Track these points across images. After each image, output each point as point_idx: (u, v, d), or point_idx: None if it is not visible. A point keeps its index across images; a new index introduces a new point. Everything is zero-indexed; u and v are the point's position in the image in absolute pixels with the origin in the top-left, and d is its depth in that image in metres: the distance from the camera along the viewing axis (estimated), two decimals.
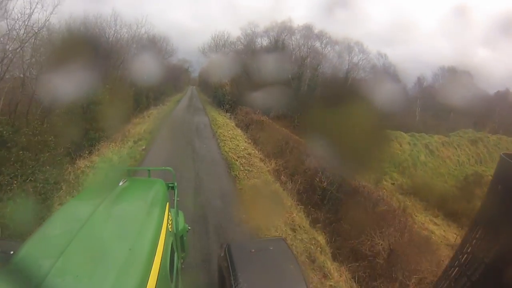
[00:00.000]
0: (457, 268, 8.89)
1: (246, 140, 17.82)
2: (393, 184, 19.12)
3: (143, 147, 14.46)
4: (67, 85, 11.00)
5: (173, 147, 14.83)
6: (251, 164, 13.65)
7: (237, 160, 13.80)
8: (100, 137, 13.84)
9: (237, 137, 17.85)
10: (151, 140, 15.52)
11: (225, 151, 14.88)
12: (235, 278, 3.87)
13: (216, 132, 18.45)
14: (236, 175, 12.27)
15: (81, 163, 11.72)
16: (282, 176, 12.81)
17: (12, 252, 2.81)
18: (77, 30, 14.91)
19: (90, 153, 12.76)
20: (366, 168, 13.08)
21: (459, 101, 21.11)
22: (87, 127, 13.14)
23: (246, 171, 12.74)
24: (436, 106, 23.93)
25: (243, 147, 16.01)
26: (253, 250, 4.46)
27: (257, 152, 15.62)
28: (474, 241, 8.79)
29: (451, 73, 23.03)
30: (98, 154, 12.84)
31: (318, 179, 11.56)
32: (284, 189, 11.67)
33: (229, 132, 18.50)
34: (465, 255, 8.91)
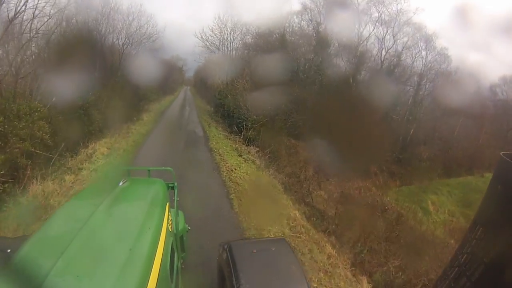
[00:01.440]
0: (457, 268, 8.91)
1: None
2: None
3: None
4: None
5: None
6: None
7: None
8: None
9: None
10: None
11: None
12: (236, 278, 3.87)
13: None
14: None
15: None
16: None
17: (9, 251, 2.80)
18: None
19: None
20: None
21: None
22: None
23: None
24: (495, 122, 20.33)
25: None
26: (254, 251, 4.45)
27: None
28: (474, 241, 8.81)
29: None
30: None
31: None
32: None
33: None
34: (465, 255, 8.93)
